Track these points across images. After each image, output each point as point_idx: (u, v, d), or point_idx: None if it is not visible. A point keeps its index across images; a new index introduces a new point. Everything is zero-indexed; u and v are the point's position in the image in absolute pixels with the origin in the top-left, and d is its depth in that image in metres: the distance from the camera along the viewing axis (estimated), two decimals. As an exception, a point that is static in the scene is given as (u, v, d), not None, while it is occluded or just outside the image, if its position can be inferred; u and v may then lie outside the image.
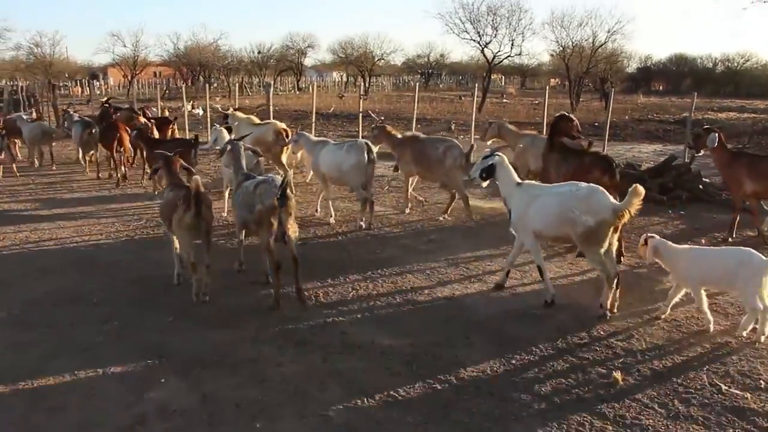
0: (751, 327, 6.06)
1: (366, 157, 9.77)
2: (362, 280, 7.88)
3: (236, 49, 78.14)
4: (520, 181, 7.22)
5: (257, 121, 14.08)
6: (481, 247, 9.25)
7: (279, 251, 6.91)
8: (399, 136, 11.34)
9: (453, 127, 14.49)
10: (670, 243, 6.41)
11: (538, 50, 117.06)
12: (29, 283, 7.82)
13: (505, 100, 45.72)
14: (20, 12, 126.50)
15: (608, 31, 39.33)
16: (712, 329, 6.18)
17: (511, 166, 7.29)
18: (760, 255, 5.94)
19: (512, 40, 39.91)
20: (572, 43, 39.73)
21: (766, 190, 9.39)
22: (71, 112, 17.60)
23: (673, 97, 54.08)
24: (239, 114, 14.19)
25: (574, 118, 9.39)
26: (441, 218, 10.91)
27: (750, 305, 5.84)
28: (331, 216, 10.80)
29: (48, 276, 8.10)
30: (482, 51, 40.68)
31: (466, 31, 40.63)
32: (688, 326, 6.42)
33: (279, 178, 6.87)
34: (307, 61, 74.25)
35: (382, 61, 65.86)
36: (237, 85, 25.87)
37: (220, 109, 16.68)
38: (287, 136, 12.59)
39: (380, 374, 5.47)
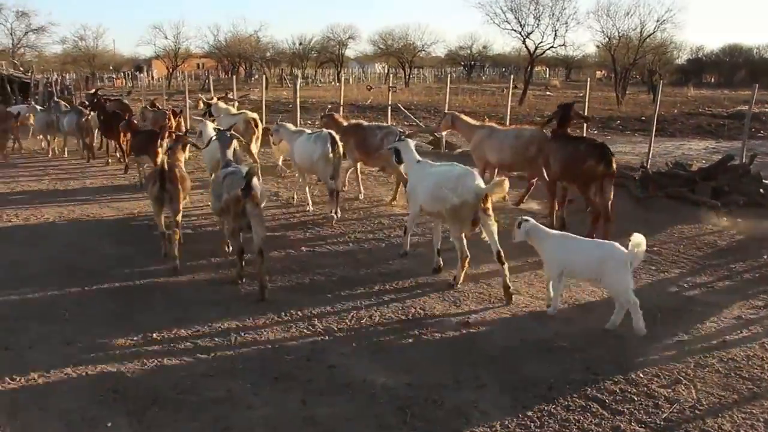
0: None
1: (329, 148, 9.45)
2: (365, 297, 6.89)
3: (277, 40, 77.78)
4: (419, 159, 7.79)
5: (234, 111, 14.52)
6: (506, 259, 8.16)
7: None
8: (345, 124, 11.52)
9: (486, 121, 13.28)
10: (542, 227, 6.50)
11: (582, 41, 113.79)
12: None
13: (548, 93, 44.10)
14: (66, 6, 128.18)
15: (657, 21, 37.49)
16: (552, 312, 6.32)
17: (413, 148, 7.92)
18: (623, 249, 5.85)
19: (555, 31, 38.37)
20: (619, 33, 38.01)
21: None
22: (58, 101, 17.61)
23: (726, 89, 51.71)
24: (221, 104, 14.74)
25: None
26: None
27: (623, 299, 5.84)
28: (309, 205, 10.82)
29: (25, 285, 7.28)
30: (524, 42, 39.22)
31: (507, 21, 39.33)
32: (749, 369, 5.24)
33: (246, 169, 6.97)
34: (350, 53, 73.63)
35: (423, 52, 64.66)
36: (264, 76, 24.99)
37: (203, 99, 16.73)
38: (256, 126, 13.02)
39: (367, 424, 4.47)
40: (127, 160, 14.37)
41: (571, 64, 71.18)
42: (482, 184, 6.78)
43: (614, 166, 8.30)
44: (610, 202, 8.52)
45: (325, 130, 10.17)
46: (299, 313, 6.43)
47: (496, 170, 10.80)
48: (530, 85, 39.95)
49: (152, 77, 61.34)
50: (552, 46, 39.18)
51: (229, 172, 7.23)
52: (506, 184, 6.52)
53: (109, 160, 15.71)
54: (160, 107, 15.40)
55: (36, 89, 25.52)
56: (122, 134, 13.80)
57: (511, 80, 16.16)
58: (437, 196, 6.96)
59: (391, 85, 17.53)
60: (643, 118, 27.23)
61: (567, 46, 40.39)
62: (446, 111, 12.87)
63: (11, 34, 48.89)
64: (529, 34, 38.59)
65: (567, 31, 40.62)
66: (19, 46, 49.19)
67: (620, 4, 68.77)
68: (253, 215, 6.73)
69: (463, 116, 11.69)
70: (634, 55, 36.70)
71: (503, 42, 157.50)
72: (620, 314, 5.90)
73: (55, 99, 18.67)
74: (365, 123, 11.50)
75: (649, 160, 13.10)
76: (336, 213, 9.87)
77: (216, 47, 57.42)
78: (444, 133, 12.29)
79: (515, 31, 39.20)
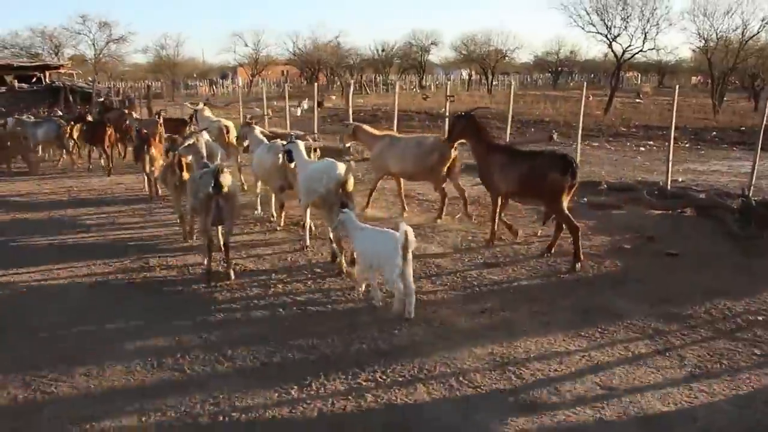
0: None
1: (279, 159, 8.90)
2: (342, 395, 4.92)
3: (359, 47, 76.66)
4: (307, 159, 8.46)
5: (214, 118, 14.59)
6: (553, 328, 6.07)
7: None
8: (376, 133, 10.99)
9: (556, 136, 11.11)
10: (355, 220, 6.73)
11: (675, 43, 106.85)
12: None
13: (638, 100, 40.71)
14: (146, 16, 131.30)
15: (763, 20, 33.50)
16: (378, 305, 6.55)
17: (303, 150, 8.49)
18: (395, 234, 6.02)
19: (645, 33, 34.99)
20: (717, 34, 34.38)
21: None
22: (24, 118, 17.58)
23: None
24: (206, 111, 14.88)
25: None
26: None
27: (390, 283, 6.17)
28: (273, 217, 10.33)
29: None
30: (610, 45, 36.12)
31: (591, 24, 36.27)
32: None
33: (215, 167, 7.22)
34: (434, 59, 71.69)
35: (507, 57, 61.91)
36: (348, 84, 23.37)
37: (189, 105, 16.67)
38: (228, 133, 12.92)
39: None
40: (111, 166, 15.42)
41: (665, 70, 66.68)
42: (342, 173, 7.39)
43: (577, 177, 7.92)
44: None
45: (280, 141, 9.60)
46: (239, 416, 4.59)
47: (401, 180, 10.62)
48: (618, 92, 36.75)
49: (237, 84, 61.26)
50: (641, 50, 35.80)
51: (203, 172, 7.48)
52: (352, 165, 7.62)
53: (90, 166, 16.28)
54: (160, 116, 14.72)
55: (98, 98, 24.91)
56: (108, 141, 15.20)
57: (584, 87, 13.62)
58: (313, 188, 7.73)
59: (448, 95, 15.20)
60: (743, 128, 24.04)
61: (658, 49, 36.82)
62: (348, 123, 12.15)
63: (94, 44, 49.75)
64: (615, 37, 35.46)
65: (658, 34, 36.76)
66: (100, 56, 49.92)
67: (719, 2, 63.33)
68: (224, 211, 7.18)
69: (365, 127, 11.18)
70: (734, 58, 33.01)
71: (588, 45, 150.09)
72: (398, 301, 6.27)
73: (22, 117, 18.27)
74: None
75: (752, 185, 10.40)
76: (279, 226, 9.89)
77: (295, 54, 56.69)
78: (348, 145, 11.59)
79: (600, 34, 36.15)
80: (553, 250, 8.28)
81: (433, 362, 5.40)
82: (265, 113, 18.05)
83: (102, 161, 16.15)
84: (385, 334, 5.97)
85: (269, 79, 63.66)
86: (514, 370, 5.28)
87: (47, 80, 28.12)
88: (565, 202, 7.87)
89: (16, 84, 26.53)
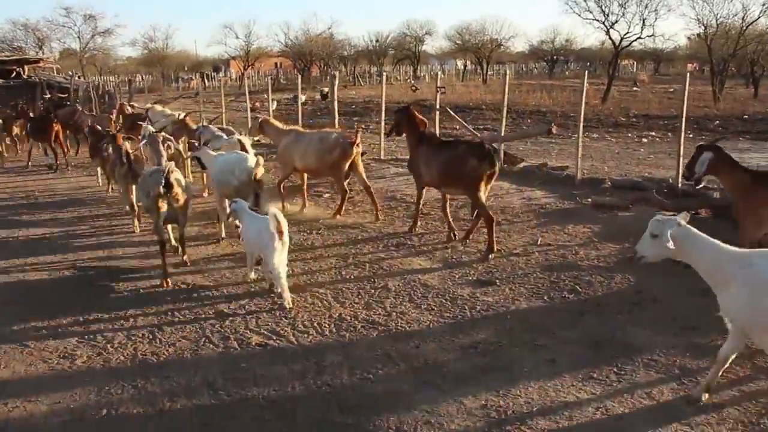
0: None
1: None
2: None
3: (352, 37, 75.25)
4: (214, 154, 8.69)
5: (168, 113, 14.32)
6: (559, 368, 5.00)
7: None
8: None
9: (555, 129, 10.04)
10: (246, 209, 6.78)
11: (674, 30, 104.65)
12: None
13: (635, 88, 39.53)
14: (135, 7, 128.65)
15: (763, 5, 32.19)
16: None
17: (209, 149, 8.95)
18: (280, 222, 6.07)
19: (643, 19, 33.76)
20: (717, 20, 33.12)
21: None
22: None
23: None
24: (157, 107, 14.76)
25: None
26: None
27: (268, 270, 6.36)
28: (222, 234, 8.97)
29: None
30: (607, 32, 34.87)
31: (588, 11, 34.96)
32: None
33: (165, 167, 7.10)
34: (429, 49, 70.37)
35: (502, 47, 60.55)
36: (335, 75, 21.82)
37: (150, 104, 16.46)
38: (185, 126, 12.21)
39: None
40: (64, 158, 15.30)
41: (661, 57, 65.40)
42: (252, 165, 7.79)
43: (498, 163, 7.94)
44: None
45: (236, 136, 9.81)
46: None
47: (305, 176, 10.34)
48: (615, 81, 35.51)
49: (230, 77, 60.02)
50: (639, 37, 34.54)
51: (153, 170, 7.51)
52: (261, 160, 7.97)
53: (30, 164, 15.78)
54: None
55: (76, 95, 23.73)
56: (53, 137, 14.83)
57: (586, 75, 12.50)
58: (226, 180, 7.90)
59: (439, 86, 14.05)
60: (746, 116, 22.95)
61: (656, 36, 35.49)
62: (256, 116, 12.54)
63: (79, 37, 48.30)
64: (613, 24, 34.16)
65: (657, 20, 35.45)
66: (86, 49, 48.50)
67: (721, -14, 61.99)
68: (176, 209, 7.21)
69: (272, 120, 11.20)
70: (734, 45, 31.78)
71: (584, 33, 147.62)
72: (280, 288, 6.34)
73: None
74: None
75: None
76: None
77: (287, 46, 55.28)
78: (256, 138, 11.07)
79: (598, 20, 34.88)
80: (470, 237, 8.35)
81: (414, 420, 4.33)
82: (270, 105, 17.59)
83: (52, 157, 15.52)
84: (356, 379, 4.91)
85: (262, 71, 62.33)
86: (512, 430, 4.22)
87: (25, 75, 26.78)
88: (483, 191, 7.81)
89: None
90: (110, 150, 9.93)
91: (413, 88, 37.48)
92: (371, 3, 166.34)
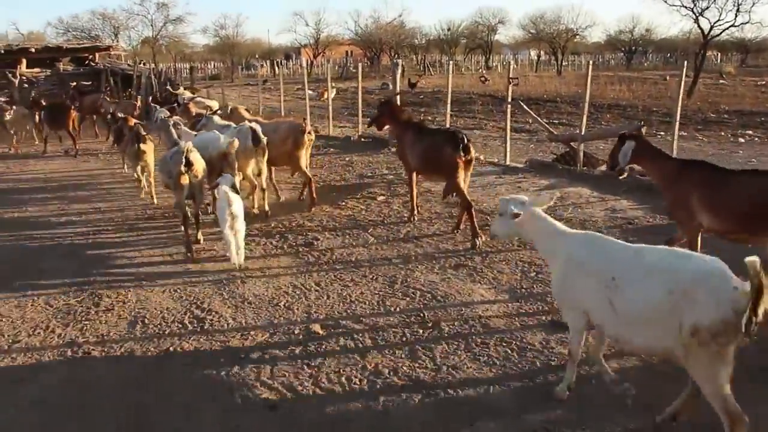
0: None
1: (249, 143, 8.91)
2: None
3: (423, 25, 73.33)
4: (193, 133, 9.37)
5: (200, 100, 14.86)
6: None
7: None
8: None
9: (644, 129, 8.32)
10: (227, 186, 6.97)
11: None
12: None
13: (722, 81, 36.60)
14: None
15: None
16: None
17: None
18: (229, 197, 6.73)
19: (738, 5, 30.79)
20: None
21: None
22: None
23: None
24: (187, 93, 14.85)
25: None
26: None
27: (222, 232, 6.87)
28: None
29: None
30: (696, 20, 32.08)
31: (676, -5, 32.26)
32: None
33: (184, 147, 7.48)
34: (502, 38, 68.03)
35: (578, 36, 57.72)
36: (401, 64, 20.43)
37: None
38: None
39: None
40: (77, 148, 15.41)
41: (749, 47, 61.15)
42: (224, 145, 8.25)
43: (471, 152, 7.90)
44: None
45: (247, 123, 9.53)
46: None
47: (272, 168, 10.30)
48: (701, 73, 32.74)
49: (300, 65, 59.23)
50: (733, 25, 31.52)
51: (174, 151, 7.70)
52: (236, 142, 8.31)
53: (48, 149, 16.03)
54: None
55: (139, 81, 23.19)
56: (71, 124, 15.22)
57: (684, 67, 10.67)
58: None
59: (511, 77, 12.42)
60: None
61: (752, 23, 32.23)
62: (228, 103, 12.69)
63: (152, 25, 48.39)
64: (703, 10, 31.33)
65: (754, 5, 32.07)
66: (158, 36, 48.56)
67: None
68: (195, 186, 7.54)
69: (240, 109, 11.47)
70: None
71: (670, 21, 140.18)
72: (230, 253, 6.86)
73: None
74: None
75: None
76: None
77: (357, 34, 54.02)
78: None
79: (686, 7, 32.11)
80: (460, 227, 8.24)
81: None
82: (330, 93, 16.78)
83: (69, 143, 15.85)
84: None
85: (333, 59, 61.43)
86: None
87: (95, 62, 26.77)
88: (462, 178, 7.84)
89: (62, 67, 25.35)
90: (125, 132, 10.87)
91: (482, 79, 35.55)
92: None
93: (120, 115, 12.22)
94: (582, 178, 10.68)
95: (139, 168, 10.52)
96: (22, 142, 16.99)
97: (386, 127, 9.41)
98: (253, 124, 9.24)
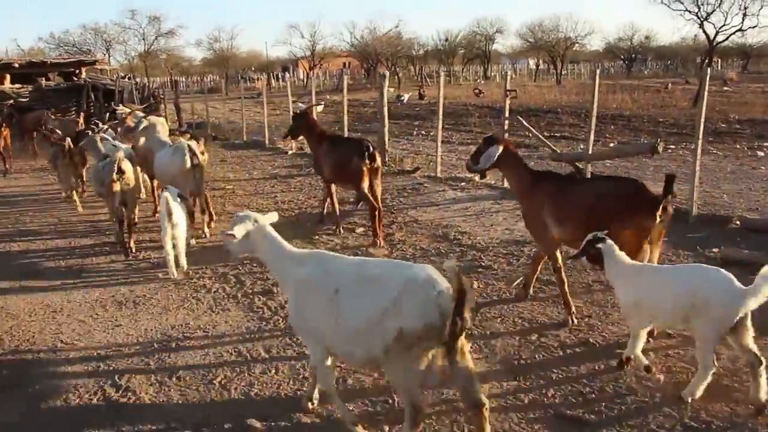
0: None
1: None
2: None
3: (420, 36, 72.25)
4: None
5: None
6: None
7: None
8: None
9: (661, 147, 6.97)
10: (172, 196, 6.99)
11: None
12: None
13: (726, 88, 35.27)
14: (199, 9, 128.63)
15: None
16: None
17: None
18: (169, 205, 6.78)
19: (744, 8, 29.44)
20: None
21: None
22: None
23: None
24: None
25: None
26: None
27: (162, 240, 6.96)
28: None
29: None
30: (701, 25, 30.80)
31: (679, 1, 31.02)
32: None
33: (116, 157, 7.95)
34: (500, 48, 66.87)
35: (577, 45, 56.48)
36: (395, 77, 18.92)
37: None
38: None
39: None
40: (6, 167, 15.42)
41: (750, 53, 59.88)
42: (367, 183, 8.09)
43: (377, 160, 8.11)
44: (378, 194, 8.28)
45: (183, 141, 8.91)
46: None
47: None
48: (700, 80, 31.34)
49: (294, 77, 58.13)
50: (740, 29, 30.20)
51: (106, 162, 8.16)
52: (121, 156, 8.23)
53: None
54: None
55: (121, 96, 22.03)
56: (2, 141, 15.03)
57: (708, 74, 9.33)
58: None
59: (508, 89, 11.17)
60: None
61: (759, 27, 31.00)
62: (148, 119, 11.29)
63: (144, 39, 47.35)
64: (708, 15, 30.07)
65: (762, 8, 30.82)
66: (149, 50, 47.44)
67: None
68: (126, 192, 7.91)
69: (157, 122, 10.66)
70: None
71: (673, 27, 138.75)
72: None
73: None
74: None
75: None
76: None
77: (353, 45, 52.83)
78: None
79: (690, 12, 30.82)
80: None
81: None
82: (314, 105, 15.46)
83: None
84: None
85: (329, 71, 60.31)
86: None
87: (78, 77, 25.76)
88: (367, 185, 8.01)
89: (44, 82, 24.33)
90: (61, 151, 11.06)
91: (476, 91, 34.16)
92: (439, 0, 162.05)
93: (49, 132, 12.58)
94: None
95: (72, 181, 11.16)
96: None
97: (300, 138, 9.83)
98: (192, 142, 8.66)
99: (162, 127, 10.04)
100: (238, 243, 4.19)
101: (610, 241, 4.46)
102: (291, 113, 17.97)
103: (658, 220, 4.72)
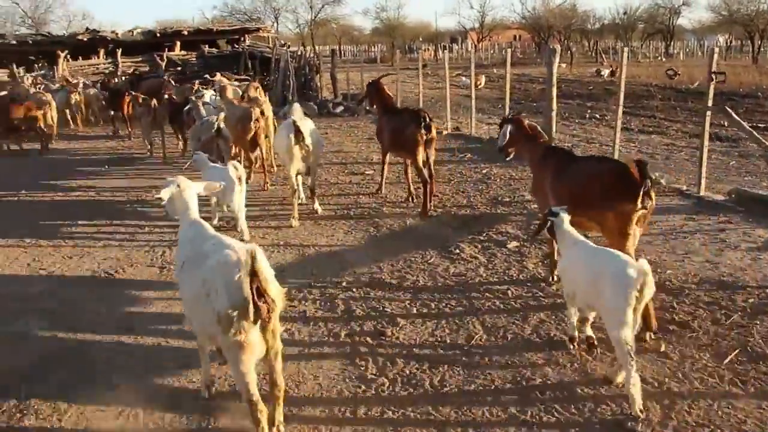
0: None
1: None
2: None
3: (597, 8, 67.11)
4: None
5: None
6: None
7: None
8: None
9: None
10: (207, 162, 7.61)
11: None
12: None
13: None
14: None
15: None
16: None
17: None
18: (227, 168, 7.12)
19: None
20: None
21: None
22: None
23: None
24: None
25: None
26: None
27: (229, 209, 7.35)
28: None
29: None
30: None
31: None
32: None
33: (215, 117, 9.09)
34: (685, 22, 60.54)
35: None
36: (570, 52, 16.41)
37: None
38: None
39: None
40: (130, 129, 16.32)
41: None
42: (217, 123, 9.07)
43: (433, 130, 8.21)
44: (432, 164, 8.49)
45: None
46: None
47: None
48: None
49: (463, 49, 56.01)
50: None
51: (204, 121, 9.41)
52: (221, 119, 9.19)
53: (119, 130, 16.97)
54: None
55: (277, 65, 21.55)
56: (126, 108, 15.41)
57: None
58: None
59: (714, 71, 8.69)
60: None
61: None
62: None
63: (311, 7, 47.26)
64: None
65: None
66: (316, 19, 47.30)
67: None
68: (224, 150, 8.88)
69: (228, 93, 11.66)
70: None
71: None
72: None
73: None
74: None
75: None
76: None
77: (524, 17, 49.67)
78: None
79: None
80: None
81: None
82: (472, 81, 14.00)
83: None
84: None
85: (498, 44, 57.60)
86: None
87: (237, 45, 26.38)
88: (421, 155, 8.13)
89: (206, 49, 24.87)
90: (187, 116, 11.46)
91: (669, 73, 29.66)
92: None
93: (137, 96, 13.70)
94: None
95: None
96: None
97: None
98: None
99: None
100: (168, 204, 4.38)
101: (562, 215, 4.53)
102: (447, 88, 16.47)
103: (639, 206, 4.61)
